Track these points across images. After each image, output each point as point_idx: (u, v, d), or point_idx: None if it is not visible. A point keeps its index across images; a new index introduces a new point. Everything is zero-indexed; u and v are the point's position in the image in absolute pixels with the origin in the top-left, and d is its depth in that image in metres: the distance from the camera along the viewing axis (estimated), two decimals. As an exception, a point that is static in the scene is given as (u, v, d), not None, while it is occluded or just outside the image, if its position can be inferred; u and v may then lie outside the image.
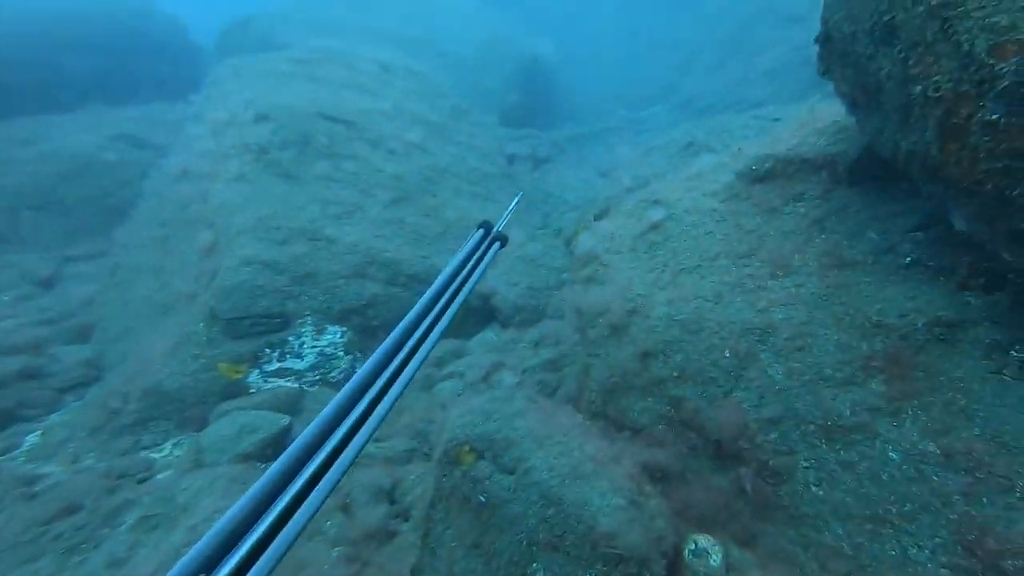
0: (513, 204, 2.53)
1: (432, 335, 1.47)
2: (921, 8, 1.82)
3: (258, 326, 4.67)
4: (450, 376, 4.31)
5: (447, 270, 1.73)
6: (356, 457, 1.07)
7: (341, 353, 4.89)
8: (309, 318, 4.87)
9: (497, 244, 2.02)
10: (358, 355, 4.95)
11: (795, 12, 14.55)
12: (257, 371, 4.59)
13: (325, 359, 4.81)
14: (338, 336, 4.92)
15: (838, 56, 2.42)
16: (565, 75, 19.43)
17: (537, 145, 12.45)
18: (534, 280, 5.43)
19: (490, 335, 5.32)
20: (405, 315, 1.46)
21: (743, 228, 3.02)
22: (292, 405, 4.41)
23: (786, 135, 3.20)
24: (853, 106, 2.50)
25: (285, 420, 3.84)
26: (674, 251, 3.20)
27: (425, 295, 1.58)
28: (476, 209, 6.95)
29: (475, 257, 1.89)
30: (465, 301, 1.70)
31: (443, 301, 1.61)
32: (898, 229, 2.42)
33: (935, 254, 2.24)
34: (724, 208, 3.22)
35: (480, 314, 5.54)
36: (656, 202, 3.67)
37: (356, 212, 5.84)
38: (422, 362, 1.38)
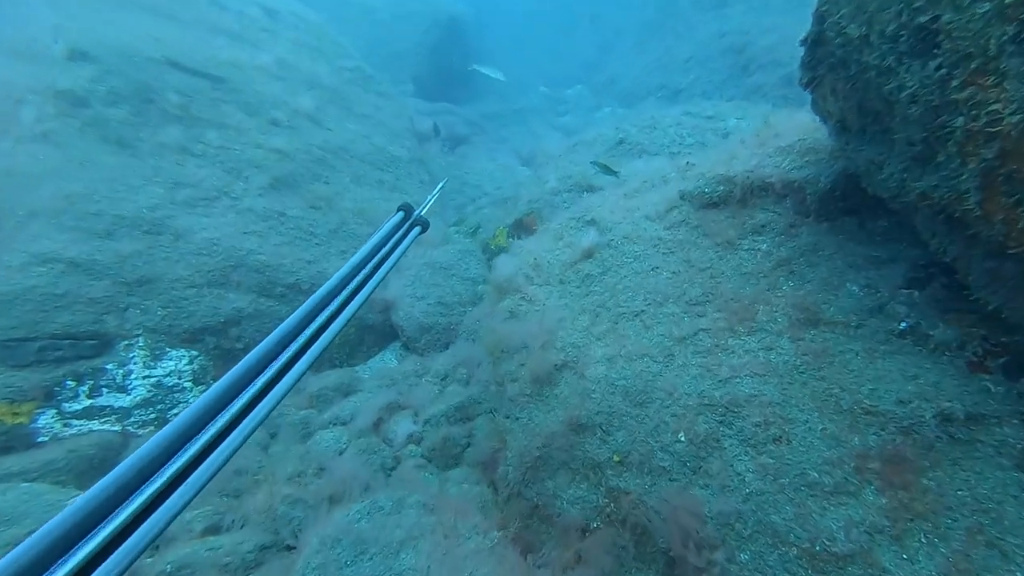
0: (437, 189, 2.45)
1: (336, 322, 1.40)
2: (985, 8, 1.29)
3: (54, 351, 3.40)
4: (333, 423, 3.41)
5: (360, 253, 1.65)
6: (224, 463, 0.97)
7: (188, 384, 3.76)
8: (141, 339, 3.67)
9: (417, 229, 1.96)
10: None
11: None
12: (53, 411, 3.34)
13: (164, 392, 3.66)
14: (184, 362, 3.78)
15: (832, 65, 1.90)
16: (483, 41, 18.34)
17: (454, 123, 11.48)
18: (445, 293, 4.63)
19: (389, 359, 4.46)
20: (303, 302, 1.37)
21: (694, 265, 2.48)
22: (109, 457, 3.27)
23: (742, 152, 2.70)
24: (840, 130, 2.01)
25: (69, 499, 2.72)
26: (613, 289, 2.59)
27: (332, 278, 1.49)
28: (381, 200, 5.93)
29: (392, 241, 1.81)
30: (374, 290, 1.62)
31: (352, 285, 1.53)
32: (886, 283, 1.98)
33: (936, 320, 1.82)
34: (671, 237, 2.66)
35: (378, 332, 4.64)
36: (590, 222, 3.04)
37: (220, 199, 4.60)
38: (321, 352, 1.32)
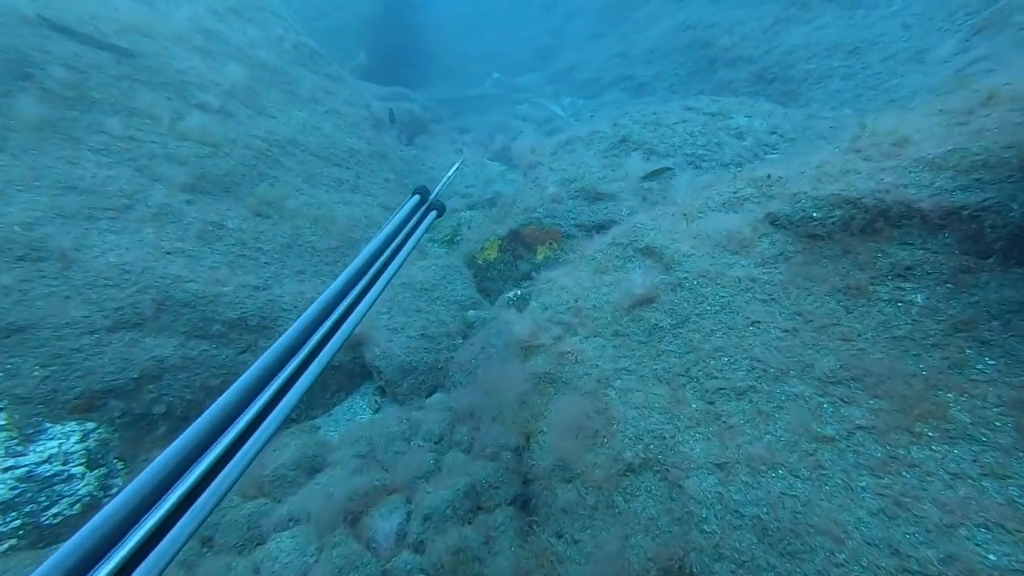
0: (454, 168, 2.55)
1: (354, 314, 1.37)
2: None
3: None
4: (293, 519, 2.52)
5: (377, 238, 1.61)
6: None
7: (78, 469, 2.73)
8: (3, 412, 2.61)
9: (433, 213, 1.97)
10: (120, 467, 2.83)
11: None
12: None
13: (38, 486, 2.62)
14: (73, 440, 2.74)
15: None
16: (433, 19, 17.19)
17: (410, 110, 10.43)
18: (429, 322, 3.78)
19: (360, 409, 3.56)
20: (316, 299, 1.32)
21: (812, 320, 1.81)
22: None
23: (856, 163, 2.04)
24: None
25: None
26: (696, 349, 1.88)
27: (348, 267, 1.45)
28: (341, 204, 4.95)
29: (408, 226, 1.79)
30: (394, 275, 1.58)
31: (370, 274, 1.50)
32: None
33: None
34: (767, 278, 1.98)
35: (345, 373, 3.72)
36: (644, 251, 2.31)
37: (131, 208, 3.50)
38: (337, 350, 1.27)
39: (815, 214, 1.98)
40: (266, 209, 4.19)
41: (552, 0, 19.76)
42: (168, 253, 3.41)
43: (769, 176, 2.29)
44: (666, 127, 4.70)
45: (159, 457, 0.86)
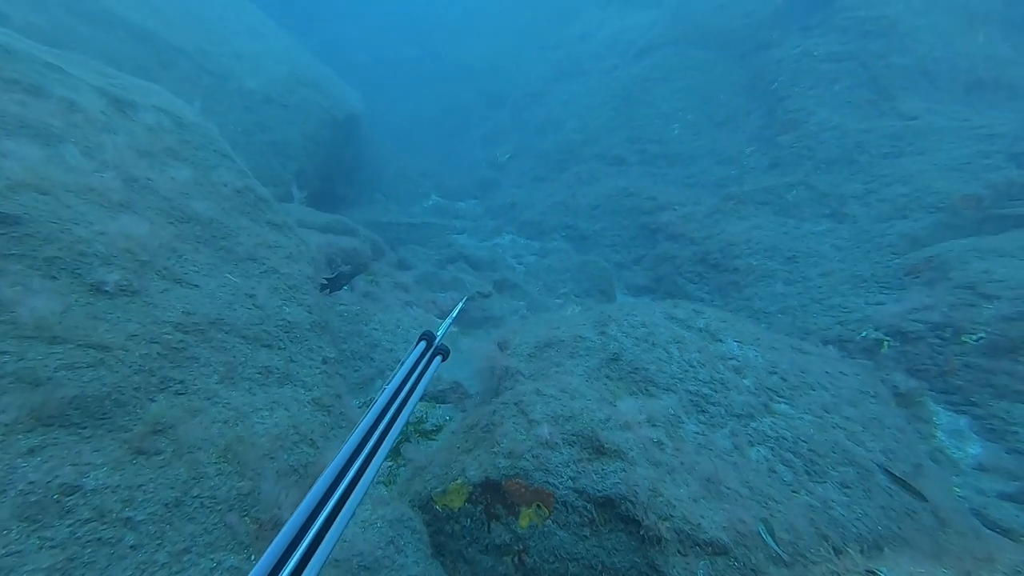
0: (458, 307, 2.68)
1: (380, 451, 1.44)
2: None
3: None
4: None
5: (390, 386, 1.70)
6: None
7: None
8: None
9: (439, 358, 1.99)
10: None
11: (617, 154, 15.78)
12: None
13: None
14: None
15: None
16: (375, 139, 17.40)
17: (354, 248, 9.76)
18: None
19: None
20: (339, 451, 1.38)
21: None
22: None
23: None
24: None
25: None
26: None
27: (367, 414, 1.53)
28: (264, 411, 3.87)
29: (415, 376, 1.83)
30: (408, 419, 1.64)
31: (387, 418, 1.56)
32: None
33: None
34: None
35: None
36: None
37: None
38: (371, 482, 1.34)
39: None
40: (155, 441, 3.04)
41: (493, 132, 21.03)
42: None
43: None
44: (661, 348, 4.34)
45: None
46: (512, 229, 14.82)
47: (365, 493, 1.29)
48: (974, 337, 6.03)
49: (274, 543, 1.04)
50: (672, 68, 15.84)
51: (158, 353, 3.45)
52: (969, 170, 8.08)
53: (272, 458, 3.49)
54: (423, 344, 1.97)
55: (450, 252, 12.46)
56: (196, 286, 4.36)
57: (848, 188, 9.07)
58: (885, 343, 6.59)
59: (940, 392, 6.08)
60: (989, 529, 4.73)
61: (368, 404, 1.57)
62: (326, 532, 1.11)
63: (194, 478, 3.03)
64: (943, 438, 5.79)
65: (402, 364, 1.83)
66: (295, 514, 1.12)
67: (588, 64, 18.92)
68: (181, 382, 3.47)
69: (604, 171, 15.78)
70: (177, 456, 3.04)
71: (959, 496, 5.17)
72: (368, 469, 1.36)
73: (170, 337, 3.62)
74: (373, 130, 17.77)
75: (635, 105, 16.09)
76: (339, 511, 1.20)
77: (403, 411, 1.63)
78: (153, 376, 3.31)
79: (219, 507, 3.03)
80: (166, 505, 2.82)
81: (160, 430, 3.05)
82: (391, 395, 1.65)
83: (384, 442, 1.48)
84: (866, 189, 8.87)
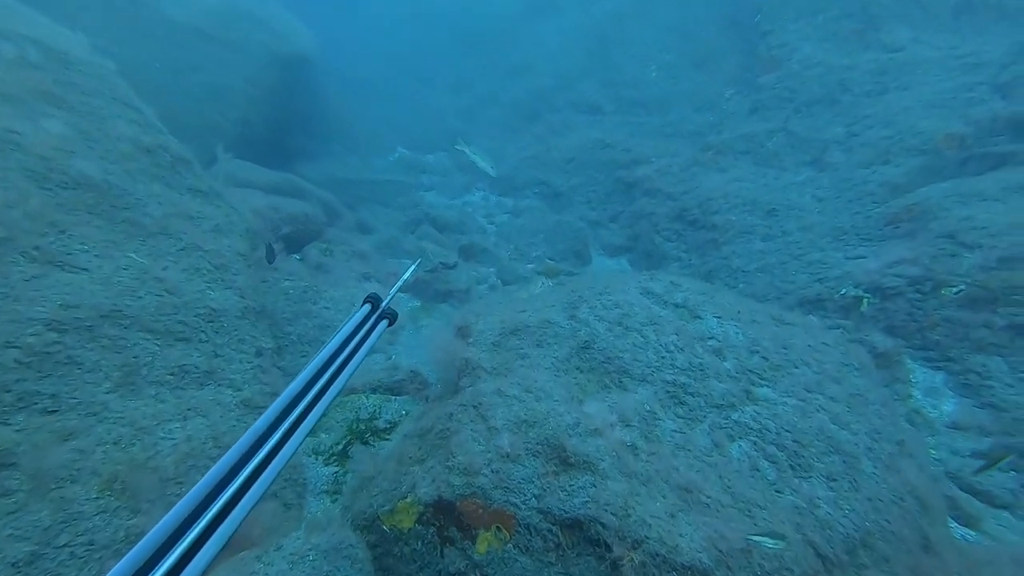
0: (410, 270, 2.40)
1: (306, 421, 1.30)
2: None
3: None
4: None
5: (324, 350, 1.54)
6: None
7: None
8: None
9: (385, 322, 1.89)
10: None
11: (592, 101, 14.86)
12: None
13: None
14: None
15: None
16: (333, 86, 15.73)
17: (305, 212, 8.85)
18: None
19: None
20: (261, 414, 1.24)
21: None
22: None
23: None
24: None
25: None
26: None
27: (297, 377, 1.38)
28: (174, 423, 3.27)
29: (358, 338, 1.70)
30: (338, 395, 1.48)
31: (320, 384, 1.42)
32: None
33: None
34: None
35: None
36: None
37: None
38: (290, 457, 1.21)
39: None
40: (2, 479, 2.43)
41: (463, 82, 19.55)
42: None
43: None
44: (635, 332, 3.85)
45: None
46: (483, 185, 13.91)
47: (285, 465, 1.16)
48: (953, 290, 5.77)
49: (161, 523, 0.91)
50: (649, 1, 14.62)
51: (15, 361, 2.77)
52: (953, 105, 7.61)
53: (180, 483, 2.94)
54: (368, 307, 1.83)
55: (416, 213, 11.56)
56: (84, 270, 3.61)
57: (830, 132, 8.55)
58: (865, 300, 6.31)
59: (917, 349, 5.88)
60: (964, 492, 4.66)
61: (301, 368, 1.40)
62: (232, 509, 0.99)
63: (62, 522, 2.47)
64: (919, 397, 5.63)
65: (343, 326, 1.68)
66: (193, 489, 1.00)
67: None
68: (52, 396, 2.82)
69: (578, 120, 14.81)
70: (36, 495, 2.46)
71: (935, 459, 5.06)
72: (288, 443, 1.21)
73: (35, 340, 2.93)
74: (338, 77, 16.12)
75: (610, 45, 14.92)
76: (249, 487, 1.07)
77: (338, 378, 1.48)
78: (7, 392, 2.65)
79: (97, 555, 2.49)
80: (14, 564, 2.25)
81: (11, 463, 2.44)
82: (325, 360, 1.48)
83: (311, 412, 1.32)
84: (848, 132, 8.36)
